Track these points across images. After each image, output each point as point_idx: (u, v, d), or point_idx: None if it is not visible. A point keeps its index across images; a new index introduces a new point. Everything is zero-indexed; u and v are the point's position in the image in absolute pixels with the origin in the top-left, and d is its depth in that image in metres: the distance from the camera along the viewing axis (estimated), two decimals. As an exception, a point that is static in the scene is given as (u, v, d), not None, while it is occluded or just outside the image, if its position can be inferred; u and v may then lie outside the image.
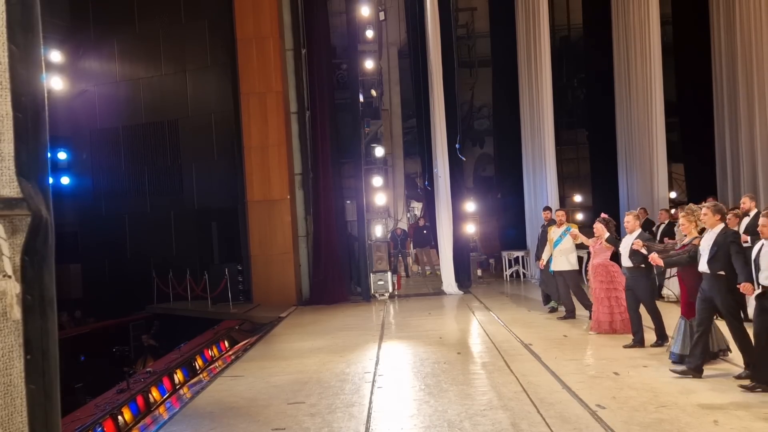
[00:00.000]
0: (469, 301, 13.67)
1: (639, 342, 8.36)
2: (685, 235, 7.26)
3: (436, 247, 16.89)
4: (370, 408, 6.45)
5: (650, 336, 8.44)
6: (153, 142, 18.78)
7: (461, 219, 16.18)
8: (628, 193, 16.19)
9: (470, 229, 18.08)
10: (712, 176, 15.32)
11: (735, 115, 14.50)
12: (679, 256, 7.12)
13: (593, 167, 18.41)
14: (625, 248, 8.41)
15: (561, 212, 11.12)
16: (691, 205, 7.58)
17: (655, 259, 7.22)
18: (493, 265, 18.93)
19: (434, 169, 15.26)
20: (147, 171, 18.89)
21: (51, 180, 2.02)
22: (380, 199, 18.15)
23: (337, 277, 14.95)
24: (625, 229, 8.69)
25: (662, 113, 14.96)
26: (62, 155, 19.51)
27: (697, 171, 16.60)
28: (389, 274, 15.14)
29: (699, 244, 6.82)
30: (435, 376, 7.55)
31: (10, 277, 1.83)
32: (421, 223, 19.48)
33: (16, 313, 1.85)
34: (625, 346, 8.39)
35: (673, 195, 18.08)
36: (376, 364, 8.39)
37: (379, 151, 19.63)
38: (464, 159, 17.21)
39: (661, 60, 15.02)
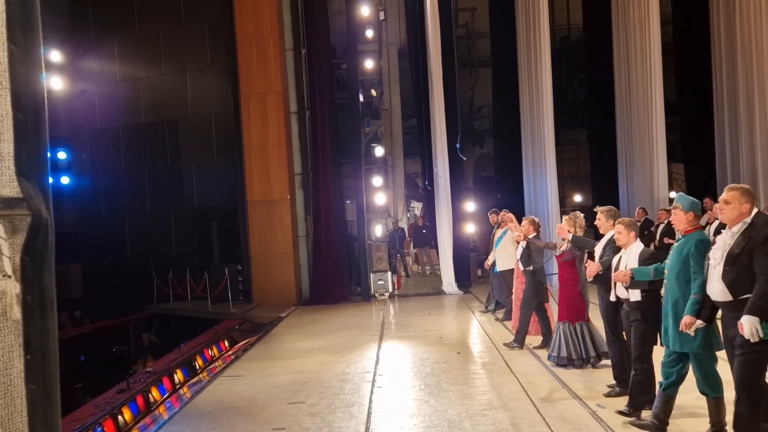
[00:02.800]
0: (469, 301, 13.67)
1: (520, 343, 8.58)
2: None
3: (436, 246, 16.89)
4: (369, 408, 6.46)
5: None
6: (153, 142, 18.78)
7: (461, 219, 16.18)
8: (628, 192, 16.20)
9: (470, 229, 18.06)
10: (711, 176, 15.34)
11: (735, 115, 14.51)
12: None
13: (593, 167, 18.41)
14: (518, 252, 8.68)
15: (499, 214, 11.11)
16: (577, 212, 7.65)
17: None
18: (493, 265, 18.89)
19: (434, 169, 15.26)
20: (147, 171, 18.89)
21: (51, 180, 2.02)
22: (380, 199, 18.14)
23: (337, 277, 14.95)
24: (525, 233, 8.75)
25: (662, 113, 14.97)
26: (62, 155, 19.50)
27: (697, 171, 16.60)
28: (389, 273, 15.15)
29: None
30: (435, 375, 7.55)
31: (10, 276, 1.83)
32: (420, 222, 19.48)
33: (16, 312, 1.84)
34: (506, 344, 8.69)
35: (672, 195, 18.05)
36: (376, 363, 8.40)
37: (379, 151, 19.63)
38: (464, 159, 17.21)
39: (661, 60, 15.02)
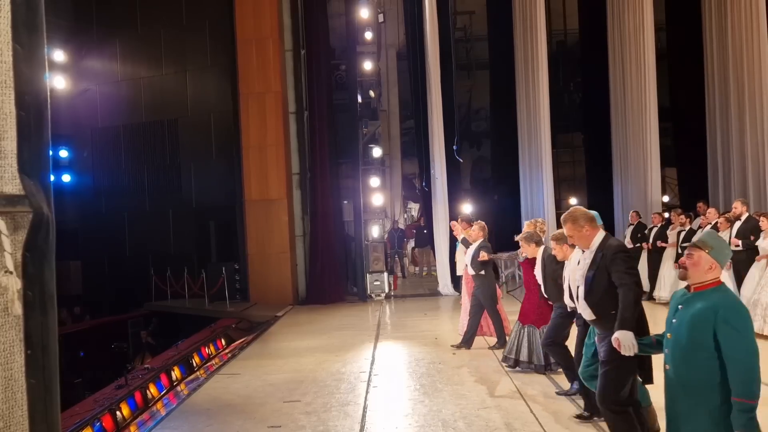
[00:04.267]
0: (465, 302, 13.70)
1: (467, 342, 8.84)
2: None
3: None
4: (365, 407, 6.51)
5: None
6: (153, 141, 18.79)
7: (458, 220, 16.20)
8: (622, 196, 16.26)
9: (467, 230, 18.09)
10: (704, 181, 15.41)
11: (727, 121, 14.59)
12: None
13: (589, 170, 18.47)
14: (468, 257, 8.78)
15: (453, 222, 11.15)
16: (538, 219, 7.96)
17: None
18: (490, 267, 18.94)
19: (431, 171, 15.30)
20: (146, 169, 18.90)
21: (52, 177, 2.06)
22: (377, 199, 18.16)
23: (333, 277, 15.00)
24: (469, 238, 8.90)
25: (656, 118, 15.05)
26: (64, 153, 19.54)
27: (690, 175, 16.68)
28: (386, 274, 15.18)
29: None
30: (430, 376, 7.60)
31: (11, 273, 1.86)
32: (422, 222, 19.47)
33: (17, 308, 1.88)
34: (453, 345, 8.91)
35: (666, 199, 18.14)
36: (372, 363, 8.45)
37: (376, 152, 19.66)
38: (461, 161, 17.26)
39: (655, 65, 15.10)
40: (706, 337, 3.22)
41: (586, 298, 4.37)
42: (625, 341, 3.92)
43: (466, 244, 8.98)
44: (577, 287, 4.51)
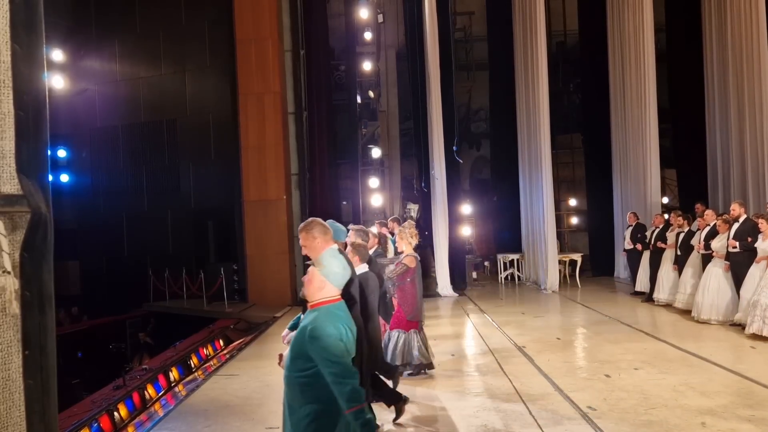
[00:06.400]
0: (464, 303, 13.71)
1: None
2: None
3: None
4: (363, 408, 6.48)
5: None
6: (151, 142, 18.78)
7: (457, 221, 16.22)
8: (621, 197, 16.27)
9: (466, 231, 18.10)
10: (703, 182, 15.40)
11: (726, 122, 14.59)
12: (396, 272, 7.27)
13: (588, 171, 18.46)
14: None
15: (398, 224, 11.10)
16: (406, 224, 7.82)
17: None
18: (488, 268, 18.97)
19: (431, 171, 15.29)
20: (145, 170, 18.90)
21: (51, 177, 2.05)
22: (376, 200, 18.16)
23: (332, 278, 14.95)
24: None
25: (656, 119, 15.04)
26: (62, 153, 19.53)
27: (689, 177, 16.67)
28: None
29: (411, 263, 7.19)
30: (427, 377, 7.59)
31: (9, 273, 1.86)
32: (421, 223, 19.42)
33: (15, 308, 1.87)
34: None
35: (665, 200, 18.12)
36: (370, 364, 8.42)
37: (375, 153, 19.65)
38: (461, 161, 17.25)
39: (654, 67, 15.09)
40: None
41: None
42: None
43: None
44: None
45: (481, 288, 16.48)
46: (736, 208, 10.00)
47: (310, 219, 4.46)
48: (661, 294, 11.97)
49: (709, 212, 10.82)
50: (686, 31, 16.32)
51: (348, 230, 5.53)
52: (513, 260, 17.17)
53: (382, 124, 20.37)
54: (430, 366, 7.54)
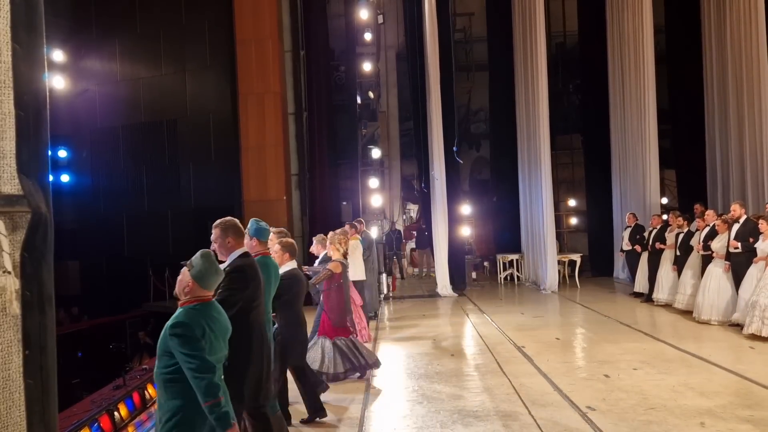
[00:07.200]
0: (464, 304, 13.72)
1: None
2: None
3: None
4: (363, 408, 6.50)
5: None
6: (152, 142, 18.78)
7: (457, 221, 16.22)
8: (621, 198, 16.28)
9: (465, 231, 18.11)
10: (702, 183, 15.42)
11: (725, 123, 14.61)
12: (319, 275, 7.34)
13: (588, 172, 18.46)
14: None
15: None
16: (340, 230, 7.97)
17: None
18: (488, 268, 18.98)
19: (431, 172, 15.29)
20: (145, 170, 18.90)
21: (51, 178, 2.05)
22: (376, 200, 18.17)
23: (332, 278, 14.95)
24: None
25: (655, 120, 15.06)
26: (62, 153, 19.53)
27: (688, 177, 16.68)
28: (384, 275, 15.17)
29: (336, 268, 7.26)
30: (428, 377, 7.60)
31: (9, 273, 1.86)
32: (422, 223, 19.44)
33: (15, 308, 1.87)
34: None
35: (664, 201, 18.14)
36: (370, 364, 8.42)
37: (375, 153, 19.67)
38: (461, 162, 17.25)
39: (654, 68, 15.11)
40: None
41: None
42: None
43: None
44: None
45: (481, 288, 16.49)
46: (736, 209, 10.01)
47: (229, 218, 4.48)
48: (660, 294, 11.99)
49: (709, 213, 10.84)
50: (686, 32, 16.35)
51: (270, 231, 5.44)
52: (512, 260, 17.18)
53: (382, 124, 20.40)
54: (358, 369, 7.54)
